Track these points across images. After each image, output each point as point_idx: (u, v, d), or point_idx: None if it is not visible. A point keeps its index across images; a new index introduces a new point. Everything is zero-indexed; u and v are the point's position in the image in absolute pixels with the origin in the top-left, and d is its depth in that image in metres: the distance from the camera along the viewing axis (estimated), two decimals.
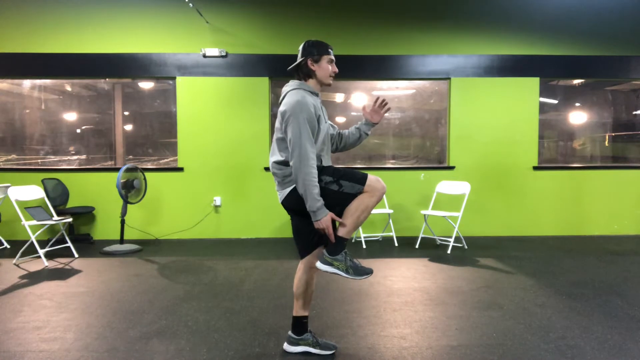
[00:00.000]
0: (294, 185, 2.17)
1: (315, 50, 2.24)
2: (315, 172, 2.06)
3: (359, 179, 2.10)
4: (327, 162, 2.28)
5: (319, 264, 2.16)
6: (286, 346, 2.43)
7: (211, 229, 6.12)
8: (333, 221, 2.16)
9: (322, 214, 2.06)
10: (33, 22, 5.97)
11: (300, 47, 2.29)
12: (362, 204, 2.10)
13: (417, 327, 2.81)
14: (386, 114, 6.28)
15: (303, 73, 2.27)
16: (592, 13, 6.16)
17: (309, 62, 2.24)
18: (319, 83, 2.29)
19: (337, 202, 2.13)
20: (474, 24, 6.15)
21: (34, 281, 3.92)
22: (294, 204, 2.22)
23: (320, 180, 2.13)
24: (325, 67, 2.26)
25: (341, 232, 2.14)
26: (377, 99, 2.47)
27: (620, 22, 6.17)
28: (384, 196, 5.81)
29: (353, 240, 5.79)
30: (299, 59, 2.27)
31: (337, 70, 2.32)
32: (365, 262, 4.59)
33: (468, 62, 6.15)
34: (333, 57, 2.29)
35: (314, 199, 2.05)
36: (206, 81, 6.07)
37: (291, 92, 2.21)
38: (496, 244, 5.58)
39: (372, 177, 2.12)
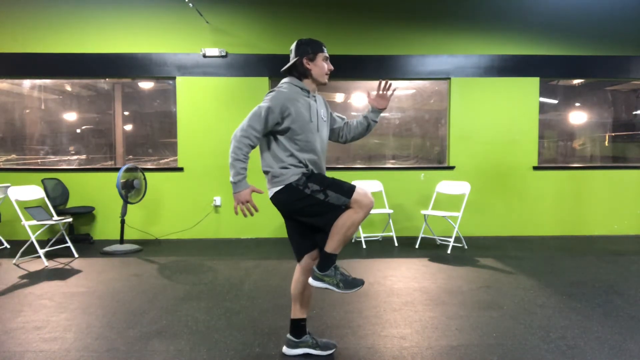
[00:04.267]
0: (281, 186, 2.15)
1: (310, 48, 2.23)
2: (246, 150, 2.10)
3: (346, 191, 2.07)
4: (319, 168, 2.26)
5: (310, 280, 2.17)
6: (285, 349, 2.41)
7: (211, 229, 6.12)
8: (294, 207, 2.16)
9: (241, 187, 2.10)
10: (33, 22, 5.97)
11: (293, 47, 2.27)
12: (348, 219, 2.08)
13: (417, 327, 2.81)
14: (386, 113, 6.29)
15: (298, 72, 2.26)
16: (593, 13, 6.16)
17: (305, 61, 2.23)
18: (315, 82, 2.28)
19: (320, 211, 2.11)
20: (474, 24, 6.15)
21: (34, 281, 3.92)
22: (281, 205, 2.20)
23: (307, 187, 2.11)
24: (321, 65, 2.25)
25: (329, 248, 2.12)
26: (380, 82, 2.40)
27: (620, 22, 6.17)
28: (384, 196, 5.85)
29: (353, 241, 5.79)
30: (293, 59, 2.25)
31: (332, 68, 2.31)
32: (365, 262, 4.60)
33: (468, 62, 6.15)
34: (327, 55, 2.28)
35: (237, 172, 2.09)
36: (206, 81, 6.07)
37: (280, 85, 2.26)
38: (496, 244, 5.58)
39: (360, 190, 2.08)
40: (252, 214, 2.15)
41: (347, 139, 2.51)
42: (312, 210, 2.12)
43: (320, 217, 2.13)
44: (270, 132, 2.17)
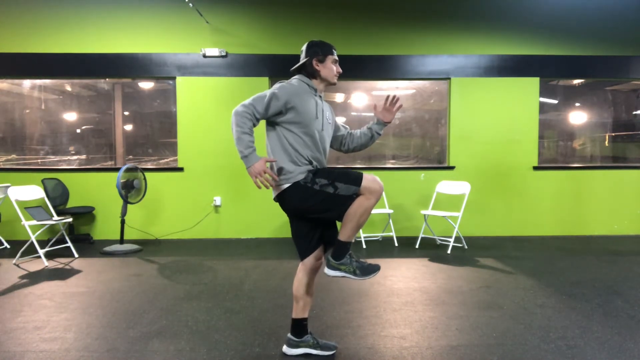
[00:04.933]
0: (288, 184, 2.16)
1: (320, 50, 2.27)
2: (250, 125, 2.10)
3: (354, 179, 2.08)
4: (322, 166, 2.27)
5: (327, 270, 2.17)
6: (285, 349, 2.41)
7: (211, 229, 6.12)
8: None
9: (252, 160, 2.09)
10: (33, 22, 5.97)
11: (304, 48, 2.31)
12: (360, 207, 2.07)
13: (417, 327, 2.81)
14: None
15: (307, 73, 2.30)
16: (592, 13, 6.16)
17: (314, 62, 2.27)
18: (323, 82, 2.32)
19: (333, 204, 2.11)
20: (474, 24, 6.15)
21: (34, 281, 3.92)
22: (291, 206, 2.21)
23: (315, 183, 2.12)
24: (330, 67, 2.29)
25: (343, 236, 2.13)
26: (388, 97, 2.44)
27: (620, 22, 6.17)
28: (384, 196, 5.85)
29: (353, 240, 5.78)
30: (303, 59, 2.29)
31: (341, 70, 2.35)
32: None
33: (468, 62, 6.15)
34: (337, 58, 2.32)
35: (246, 145, 2.08)
36: (206, 81, 6.07)
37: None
38: (496, 244, 5.58)
39: (367, 176, 2.09)
40: (272, 184, 2.14)
41: (350, 148, 2.52)
42: (323, 206, 2.12)
43: (333, 211, 2.13)
44: (277, 124, 2.19)
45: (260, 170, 2.08)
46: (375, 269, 2.14)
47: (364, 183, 2.06)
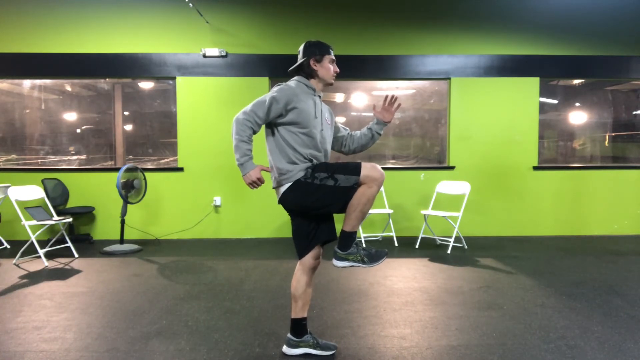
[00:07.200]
0: (290, 183, 2.17)
1: (317, 50, 2.28)
2: (249, 133, 2.13)
3: (353, 169, 2.08)
4: None
5: (335, 262, 2.18)
6: (285, 349, 2.41)
7: (211, 229, 6.12)
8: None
9: (248, 168, 2.12)
10: (33, 22, 5.97)
11: (301, 48, 2.32)
12: (363, 196, 2.08)
13: (417, 327, 2.81)
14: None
15: (305, 73, 2.31)
16: (592, 13, 6.16)
17: (312, 62, 2.27)
18: (321, 82, 2.33)
19: (335, 197, 2.11)
20: (474, 24, 6.15)
21: (34, 281, 3.92)
22: (293, 205, 2.22)
23: (315, 178, 2.13)
24: (327, 67, 2.30)
25: (347, 226, 2.14)
26: (386, 97, 2.45)
27: (620, 22, 6.17)
28: (384, 196, 5.85)
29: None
30: (301, 59, 2.30)
31: (338, 70, 2.36)
32: None
33: (468, 62, 6.15)
34: (334, 57, 2.33)
35: (243, 154, 2.11)
36: (206, 81, 6.07)
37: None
38: (496, 244, 5.58)
39: (367, 165, 2.09)
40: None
41: (350, 149, 2.53)
42: (326, 200, 2.13)
43: (336, 204, 2.13)
44: (275, 125, 2.20)
45: (255, 178, 2.12)
46: (382, 254, 2.16)
47: (364, 172, 2.07)
